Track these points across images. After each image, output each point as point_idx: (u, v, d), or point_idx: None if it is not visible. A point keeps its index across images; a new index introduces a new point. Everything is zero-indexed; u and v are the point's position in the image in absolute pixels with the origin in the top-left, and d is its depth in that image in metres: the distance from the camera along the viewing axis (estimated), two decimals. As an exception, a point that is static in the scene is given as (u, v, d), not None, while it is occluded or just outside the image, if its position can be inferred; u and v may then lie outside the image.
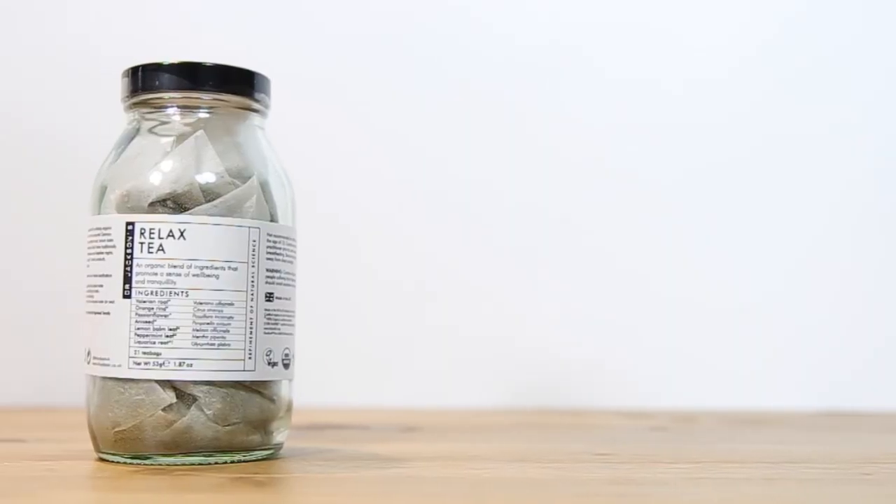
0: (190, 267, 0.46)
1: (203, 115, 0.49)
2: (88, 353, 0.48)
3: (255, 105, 0.50)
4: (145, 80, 0.49)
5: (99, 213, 0.49)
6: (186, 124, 0.49)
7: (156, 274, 0.46)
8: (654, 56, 0.84)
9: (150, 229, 0.46)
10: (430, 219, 0.82)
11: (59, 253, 0.80)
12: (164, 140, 0.49)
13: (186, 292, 0.46)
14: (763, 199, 0.83)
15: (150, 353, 0.46)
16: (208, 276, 0.46)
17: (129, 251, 0.46)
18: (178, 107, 0.49)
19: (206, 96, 0.49)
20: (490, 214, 0.83)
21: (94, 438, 0.48)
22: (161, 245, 0.46)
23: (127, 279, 0.46)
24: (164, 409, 0.46)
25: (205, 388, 0.46)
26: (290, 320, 0.50)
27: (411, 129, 0.83)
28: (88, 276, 0.48)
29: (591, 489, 0.40)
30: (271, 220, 0.49)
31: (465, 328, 0.81)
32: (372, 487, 0.40)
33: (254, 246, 0.47)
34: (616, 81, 0.84)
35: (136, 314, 0.46)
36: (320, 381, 0.75)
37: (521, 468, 0.46)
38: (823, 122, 0.84)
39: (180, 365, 0.46)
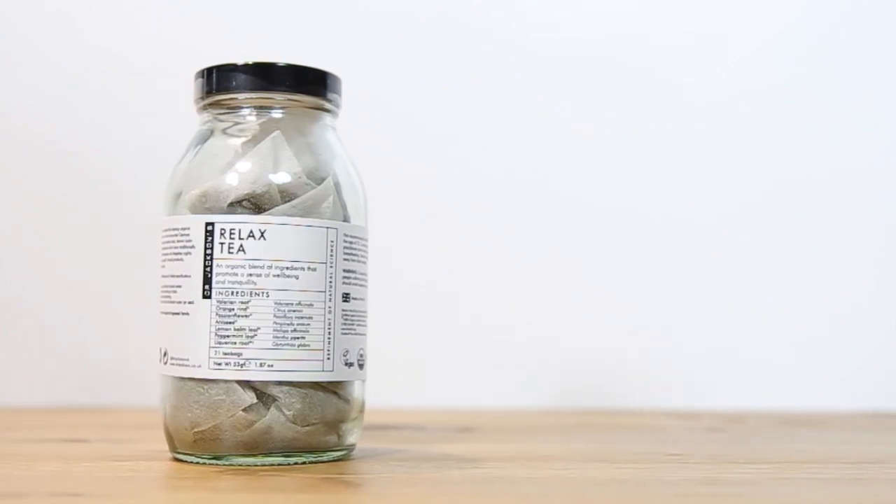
0: (271, 267, 0.46)
1: (276, 115, 0.49)
2: (165, 354, 0.48)
3: (328, 105, 0.50)
4: (219, 81, 0.49)
5: (174, 214, 0.48)
6: (260, 125, 0.49)
7: (236, 274, 0.46)
8: (704, 57, 0.84)
9: (231, 230, 0.46)
10: (476, 220, 0.82)
11: (111, 255, 0.80)
12: (239, 141, 0.49)
13: (267, 293, 0.46)
14: (809, 200, 0.83)
15: (231, 354, 0.46)
16: (288, 276, 0.46)
17: (208, 251, 0.46)
18: (252, 107, 0.49)
19: (280, 96, 0.49)
20: (538, 215, 0.82)
21: (169, 439, 0.48)
22: (241, 245, 0.46)
23: (207, 279, 0.46)
24: (244, 410, 0.46)
25: (285, 388, 0.46)
26: (364, 321, 0.50)
27: (448, 128, 0.83)
28: (164, 276, 0.48)
29: (686, 490, 0.40)
30: (343, 221, 0.49)
31: (508, 329, 0.81)
32: (467, 488, 0.40)
33: (331, 246, 0.47)
34: (666, 83, 0.84)
35: (217, 315, 0.46)
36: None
37: (602, 469, 0.46)
38: (870, 122, 0.84)
39: (261, 366, 0.46)
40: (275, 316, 0.46)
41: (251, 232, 0.46)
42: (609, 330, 0.82)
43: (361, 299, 0.49)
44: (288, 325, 0.46)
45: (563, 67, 0.84)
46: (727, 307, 0.82)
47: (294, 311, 0.46)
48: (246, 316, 0.46)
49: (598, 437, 0.60)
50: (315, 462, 0.47)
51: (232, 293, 0.46)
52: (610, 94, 0.84)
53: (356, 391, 0.49)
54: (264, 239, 0.46)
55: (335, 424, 0.48)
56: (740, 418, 0.72)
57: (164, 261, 0.48)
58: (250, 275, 0.46)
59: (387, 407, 0.75)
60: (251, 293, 0.46)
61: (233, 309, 0.46)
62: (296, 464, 0.46)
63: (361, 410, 0.50)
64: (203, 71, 0.50)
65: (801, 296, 0.83)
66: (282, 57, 0.51)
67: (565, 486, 0.41)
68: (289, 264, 0.46)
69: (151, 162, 0.48)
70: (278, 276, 0.46)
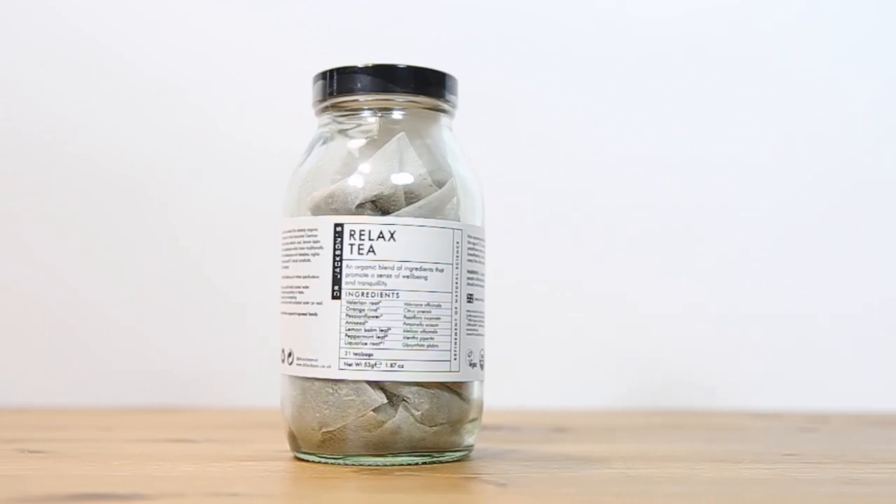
0: (400, 268, 0.46)
1: (397, 116, 0.49)
2: (290, 355, 0.48)
3: (445, 106, 0.50)
4: (340, 84, 0.49)
5: (298, 216, 0.49)
6: (380, 126, 0.49)
7: (366, 275, 0.46)
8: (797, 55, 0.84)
9: (360, 231, 0.46)
10: (568, 219, 0.82)
11: (190, 258, 0.81)
12: (361, 142, 0.49)
13: (397, 293, 0.46)
14: (890, 201, 0.83)
15: (362, 355, 0.46)
16: (417, 277, 0.46)
17: (338, 252, 0.47)
18: (373, 109, 0.49)
19: (400, 98, 0.49)
20: (630, 215, 0.82)
21: (292, 438, 0.48)
22: (371, 246, 0.46)
23: (336, 280, 0.46)
24: (373, 410, 0.46)
25: (414, 388, 0.46)
26: (483, 322, 0.50)
27: (554, 125, 0.83)
28: (287, 277, 0.48)
29: (832, 489, 0.40)
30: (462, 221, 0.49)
31: (586, 330, 0.81)
32: (616, 487, 0.41)
33: (457, 247, 0.48)
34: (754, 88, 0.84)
35: (347, 315, 0.46)
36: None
37: (732, 469, 0.46)
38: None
39: (392, 366, 0.46)
40: (405, 316, 0.46)
41: (381, 233, 0.46)
42: (687, 330, 0.82)
43: (481, 300, 0.50)
44: (417, 325, 0.46)
45: (669, 56, 0.83)
46: (804, 310, 0.82)
47: (423, 311, 0.46)
48: (376, 317, 0.46)
49: (699, 437, 0.60)
50: (436, 462, 0.47)
51: (362, 294, 0.46)
52: (715, 90, 0.83)
53: (475, 392, 0.50)
54: (394, 240, 0.46)
55: (458, 425, 0.48)
56: (823, 418, 0.72)
57: (286, 262, 0.49)
58: (380, 276, 0.46)
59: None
60: (381, 294, 0.46)
61: (363, 310, 0.46)
62: (423, 464, 0.46)
63: (480, 411, 0.50)
64: (324, 73, 0.50)
65: (875, 298, 0.83)
66: (398, 58, 0.51)
67: (712, 486, 0.41)
68: (417, 265, 0.47)
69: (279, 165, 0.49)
70: (408, 276, 0.46)
